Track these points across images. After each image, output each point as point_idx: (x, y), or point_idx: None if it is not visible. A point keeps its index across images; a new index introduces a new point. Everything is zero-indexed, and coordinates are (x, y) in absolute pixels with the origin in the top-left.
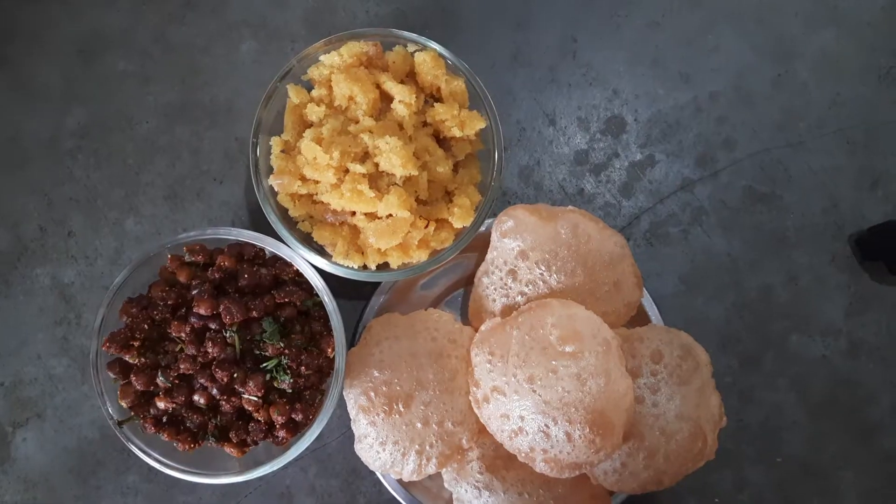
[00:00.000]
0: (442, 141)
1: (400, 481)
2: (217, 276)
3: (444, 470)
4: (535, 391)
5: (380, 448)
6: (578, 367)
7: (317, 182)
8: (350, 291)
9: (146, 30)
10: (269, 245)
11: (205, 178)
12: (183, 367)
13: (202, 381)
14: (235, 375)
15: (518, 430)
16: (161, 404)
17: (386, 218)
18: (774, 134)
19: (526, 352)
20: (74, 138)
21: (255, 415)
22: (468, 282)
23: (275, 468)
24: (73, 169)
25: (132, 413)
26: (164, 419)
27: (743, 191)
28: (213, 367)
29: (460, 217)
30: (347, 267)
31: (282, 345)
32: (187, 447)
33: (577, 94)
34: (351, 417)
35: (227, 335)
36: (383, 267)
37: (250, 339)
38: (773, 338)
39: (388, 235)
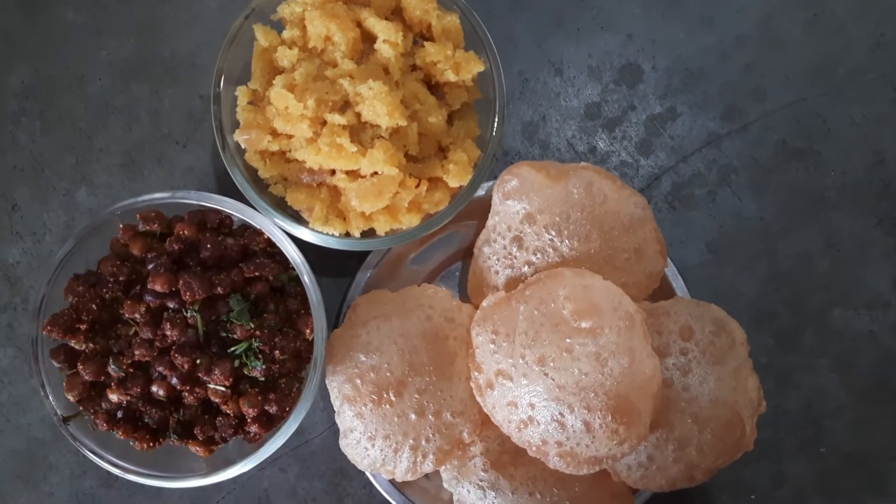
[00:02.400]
0: (434, 88)
1: (392, 482)
2: (175, 247)
3: (443, 468)
4: (546, 374)
5: (368, 444)
6: (597, 345)
7: (290, 137)
8: (332, 267)
9: None
10: (236, 210)
11: (166, 142)
12: (138, 353)
13: (161, 369)
14: (199, 362)
15: (528, 421)
16: (114, 397)
17: (370, 177)
18: (810, 82)
19: (535, 329)
20: (17, 100)
21: (223, 408)
22: (466, 254)
23: (247, 468)
24: (17, 134)
25: (80, 408)
26: (119, 414)
27: (776, 146)
28: (172, 353)
29: (456, 175)
30: (327, 234)
31: (252, 326)
32: (146, 446)
33: (586, 40)
34: (335, 409)
35: (188, 315)
36: (369, 234)
37: (215, 320)
38: (813, 312)
39: (374, 197)
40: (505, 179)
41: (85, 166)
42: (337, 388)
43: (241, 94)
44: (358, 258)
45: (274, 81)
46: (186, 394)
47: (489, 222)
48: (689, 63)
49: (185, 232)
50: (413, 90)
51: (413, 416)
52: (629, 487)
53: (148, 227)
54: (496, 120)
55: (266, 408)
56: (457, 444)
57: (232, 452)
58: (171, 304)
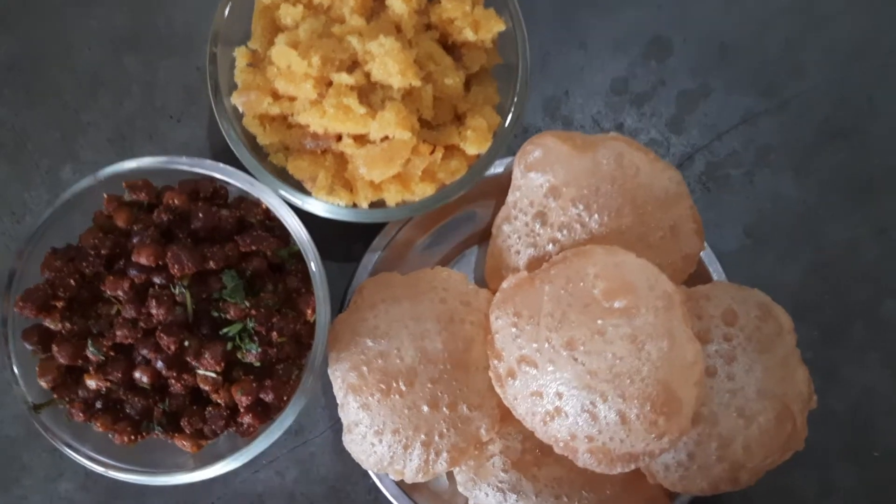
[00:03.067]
0: (450, 50)
1: (401, 484)
2: (164, 218)
3: (458, 470)
4: (576, 359)
5: (375, 439)
6: (632, 326)
7: (292, 100)
8: (336, 251)
9: None
10: (232, 178)
11: (159, 116)
12: (120, 334)
13: (145, 352)
14: (187, 344)
15: (554, 412)
16: (92, 383)
17: (381, 141)
18: (853, 57)
19: (562, 310)
20: (1, 71)
21: (214, 396)
22: (482, 238)
23: (239, 463)
24: None
25: (54, 395)
26: (97, 403)
27: (818, 125)
28: (157, 334)
29: (475, 141)
30: (332, 205)
31: (247, 304)
32: (127, 439)
33: (611, 10)
34: (338, 402)
35: (177, 292)
36: (378, 205)
37: (206, 299)
38: (862, 304)
39: (384, 163)
40: (527, 150)
41: (71, 142)
42: (341, 377)
43: (240, 55)
44: (364, 240)
45: (276, 40)
46: (173, 381)
47: (509, 198)
48: (723, 36)
49: (175, 201)
50: (427, 50)
51: (425, 409)
52: (666, 491)
53: (135, 197)
54: (518, 84)
55: (261, 396)
56: (473, 441)
57: (222, 448)
58: (157, 280)
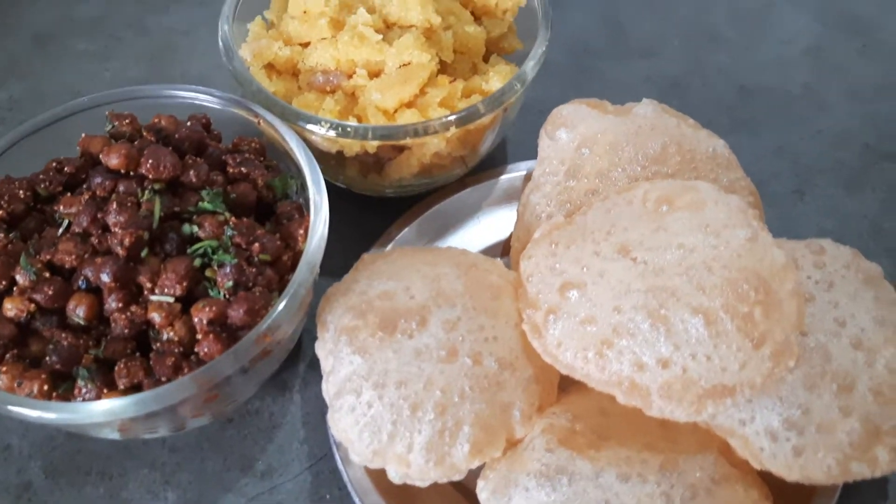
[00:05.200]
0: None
1: (398, 491)
2: (148, 137)
3: (482, 480)
4: (635, 259)
5: (374, 395)
6: (702, 217)
7: (304, 46)
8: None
9: (121, 16)
10: (224, 103)
11: None
12: (63, 248)
13: (89, 272)
14: (144, 254)
15: (613, 335)
16: (10, 308)
17: (398, 70)
18: (878, 95)
19: (610, 224)
20: (1, 111)
21: (166, 331)
22: (507, 249)
23: (174, 399)
24: None
25: None
26: (6, 341)
27: (860, 149)
28: (113, 228)
29: (498, 77)
30: (340, 129)
31: (227, 215)
32: (37, 391)
33: (621, 61)
34: (321, 358)
35: (145, 198)
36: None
37: (177, 215)
38: None
39: (399, 85)
40: (553, 116)
41: None
42: (333, 324)
43: (256, 24)
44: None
45: None
46: (118, 313)
47: (536, 172)
48: (742, 80)
49: (163, 122)
50: (447, 6)
51: (442, 353)
52: (775, 486)
53: (118, 127)
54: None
55: (229, 311)
56: (504, 423)
57: None
58: (123, 188)
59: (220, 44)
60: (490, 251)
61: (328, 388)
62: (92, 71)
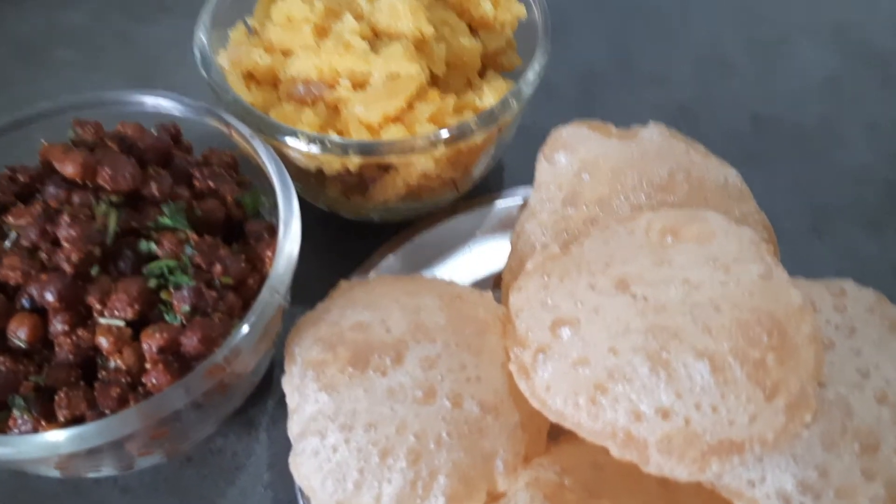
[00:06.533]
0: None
1: None
2: (111, 146)
3: None
4: (634, 295)
5: (339, 437)
6: (710, 250)
7: (286, 54)
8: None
9: (107, 26)
10: (194, 111)
11: None
12: (7, 263)
13: (33, 290)
14: (95, 272)
15: (608, 380)
16: None
17: (384, 82)
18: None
19: (608, 256)
20: None
21: (114, 358)
22: (499, 282)
23: (116, 434)
24: None
25: None
26: None
27: (883, 185)
28: (61, 244)
29: (491, 93)
30: (319, 144)
31: (188, 232)
32: None
33: (630, 89)
34: (287, 393)
35: (100, 211)
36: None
37: (135, 230)
38: None
39: (385, 98)
40: (552, 137)
41: None
42: (299, 356)
43: (237, 31)
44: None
45: None
46: (63, 335)
47: (532, 198)
48: (755, 109)
49: (128, 130)
50: (441, 16)
51: (418, 393)
52: None
53: (81, 135)
54: (536, 63)
55: (181, 338)
56: (485, 474)
57: None
58: (77, 200)
59: (196, 52)
60: (481, 284)
61: (292, 428)
62: (75, 81)
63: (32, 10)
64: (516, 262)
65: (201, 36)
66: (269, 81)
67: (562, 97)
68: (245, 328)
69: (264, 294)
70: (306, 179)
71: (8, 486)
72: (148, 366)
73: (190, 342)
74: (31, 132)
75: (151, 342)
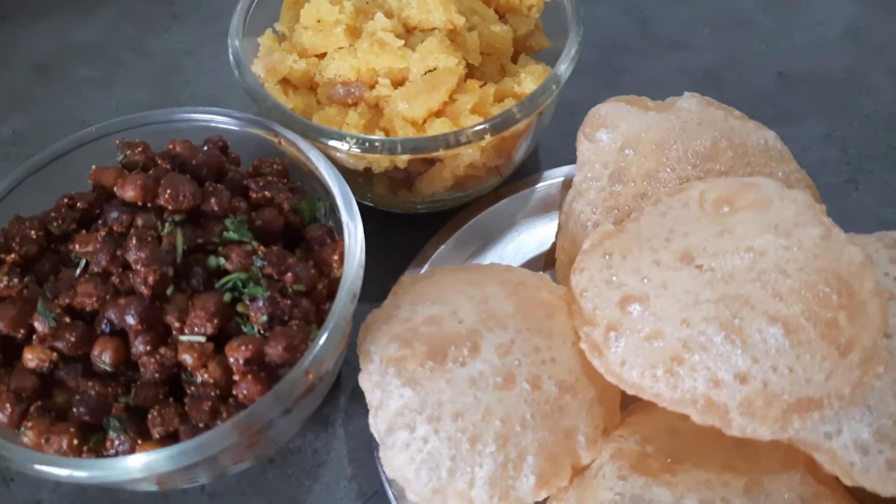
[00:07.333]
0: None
1: None
2: (163, 165)
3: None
4: (700, 267)
5: (428, 429)
6: (768, 217)
7: (320, 57)
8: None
9: (121, 39)
10: (241, 123)
11: None
12: (82, 291)
13: (112, 315)
14: (170, 292)
15: (683, 350)
16: (31, 358)
17: (423, 77)
18: None
19: (668, 230)
20: (3, 146)
21: (199, 373)
22: (549, 262)
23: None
24: None
25: None
26: (30, 393)
27: None
28: (133, 266)
29: (531, 78)
30: (367, 145)
31: (254, 244)
32: (67, 446)
33: (651, 55)
34: (366, 391)
35: (165, 231)
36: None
37: (201, 247)
38: None
39: (427, 92)
40: (590, 116)
41: None
42: (377, 356)
43: (266, 37)
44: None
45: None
46: (146, 356)
47: (576, 178)
48: (780, 67)
49: (178, 148)
50: (469, 5)
51: (499, 380)
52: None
53: (130, 156)
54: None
55: (266, 349)
56: (569, 449)
57: None
58: (141, 222)
59: (232, 59)
60: (531, 265)
61: (377, 424)
62: (96, 98)
63: (44, 31)
64: (568, 241)
65: (235, 43)
66: (307, 85)
67: (585, 70)
68: (326, 334)
69: (340, 299)
70: (353, 179)
71: (99, 502)
72: (236, 377)
73: (275, 351)
74: (78, 157)
75: (238, 355)
